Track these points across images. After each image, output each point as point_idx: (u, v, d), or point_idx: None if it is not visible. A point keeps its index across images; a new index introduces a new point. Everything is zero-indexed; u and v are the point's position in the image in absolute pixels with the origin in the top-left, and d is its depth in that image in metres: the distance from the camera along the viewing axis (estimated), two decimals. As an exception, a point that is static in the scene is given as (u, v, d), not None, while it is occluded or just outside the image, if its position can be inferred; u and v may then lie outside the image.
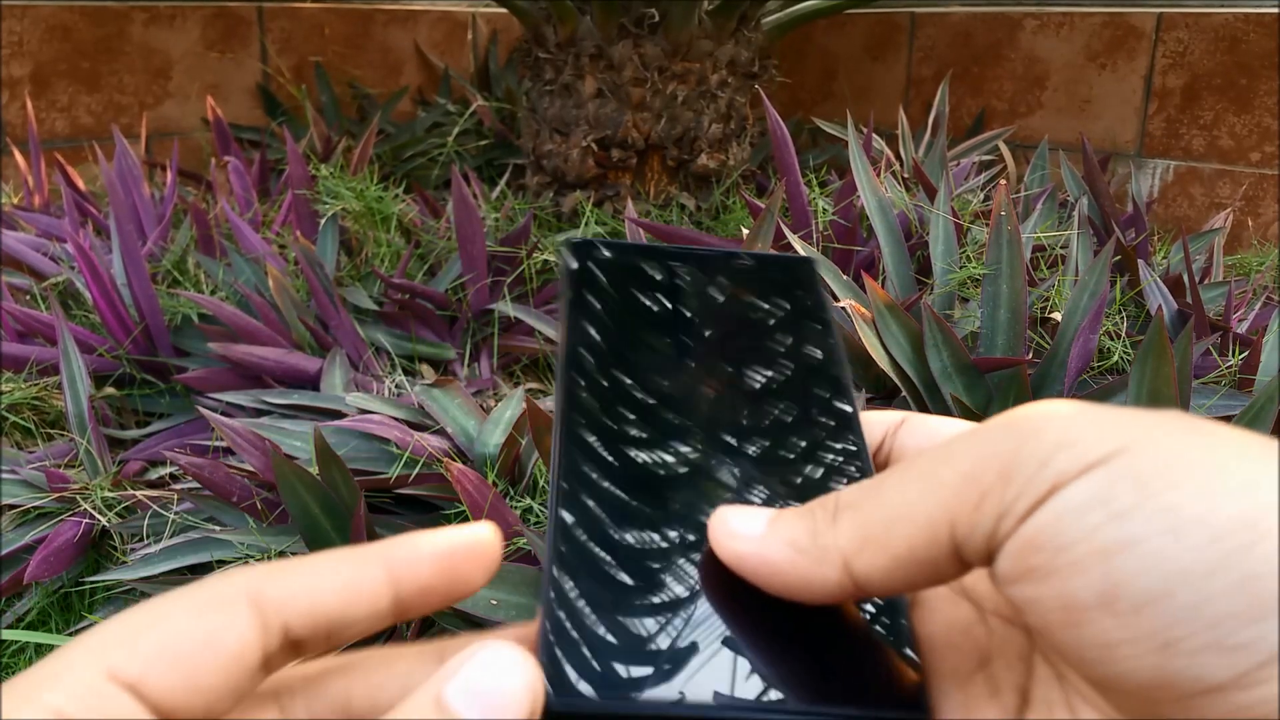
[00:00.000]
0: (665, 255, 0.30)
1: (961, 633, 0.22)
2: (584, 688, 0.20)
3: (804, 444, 0.25)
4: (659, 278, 0.29)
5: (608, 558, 0.22)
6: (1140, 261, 1.14)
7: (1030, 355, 0.97)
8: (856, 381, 0.97)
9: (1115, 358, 0.98)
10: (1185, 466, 0.17)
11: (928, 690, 0.20)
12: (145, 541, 0.92)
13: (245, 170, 1.51)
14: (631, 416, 0.25)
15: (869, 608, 0.22)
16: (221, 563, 0.86)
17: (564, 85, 1.54)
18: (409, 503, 0.92)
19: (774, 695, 0.20)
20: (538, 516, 0.84)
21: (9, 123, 1.77)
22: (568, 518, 0.23)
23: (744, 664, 0.20)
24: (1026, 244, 1.10)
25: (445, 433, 0.94)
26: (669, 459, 0.25)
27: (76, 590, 0.96)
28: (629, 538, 0.22)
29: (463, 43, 2.30)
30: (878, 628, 0.21)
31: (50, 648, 0.90)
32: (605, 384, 0.26)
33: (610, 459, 0.24)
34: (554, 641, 0.20)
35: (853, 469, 0.25)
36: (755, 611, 0.21)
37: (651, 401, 0.26)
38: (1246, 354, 0.99)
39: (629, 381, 0.26)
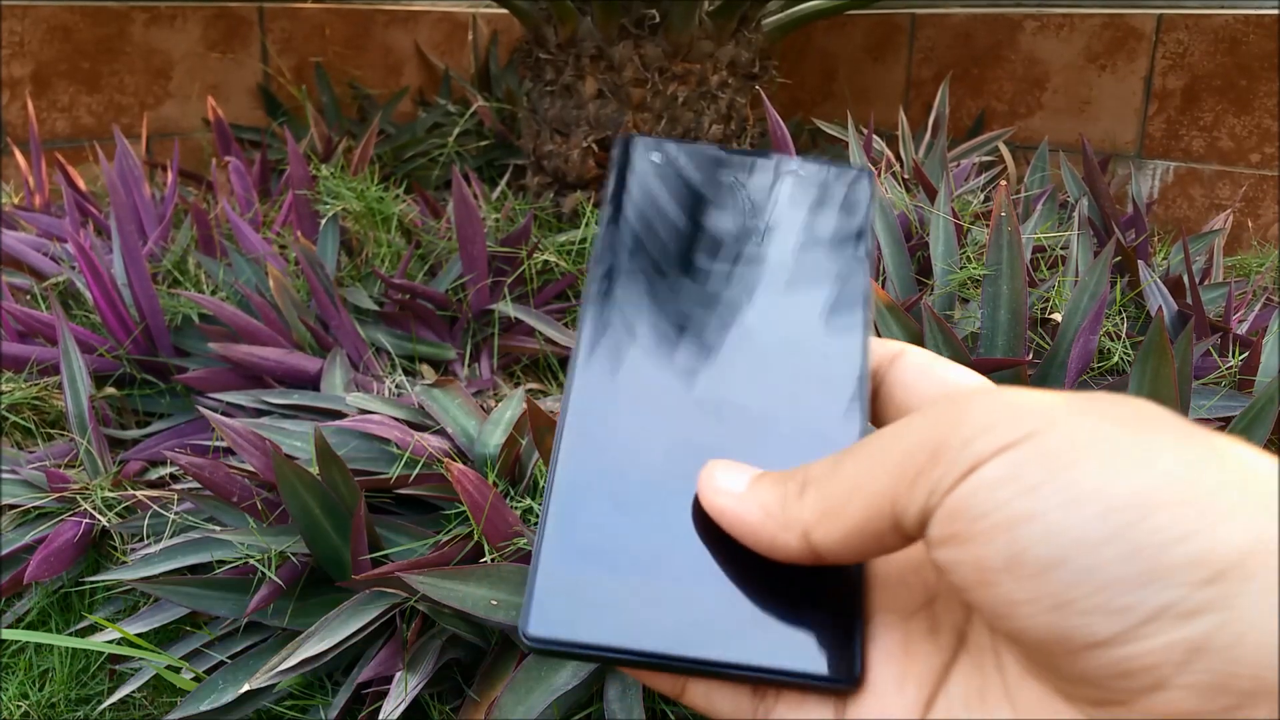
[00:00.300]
0: (714, 157, 0.30)
1: (913, 571, 0.24)
2: (540, 629, 0.22)
3: (807, 379, 0.26)
4: (702, 179, 0.30)
5: (601, 504, 0.24)
6: (1140, 262, 1.14)
7: (1030, 356, 0.97)
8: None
9: (1115, 358, 0.98)
10: (1087, 446, 0.19)
11: (863, 662, 0.22)
12: (145, 541, 0.92)
13: (246, 170, 1.51)
14: (649, 337, 0.26)
15: (829, 577, 0.23)
16: (222, 563, 0.86)
17: (564, 86, 1.54)
18: (409, 503, 0.92)
19: (717, 649, 0.22)
20: (538, 516, 0.84)
21: (10, 123, 1.77)
22: (568, 465, 0.24)
23: (704, 617, 0.22)
24: (1027, 245, 1.10)
25: (445, 433, 0.94)
26: (677, 387, 0.26)
27: (76, 590, 0.96)
28: (625, 484, 0.24)
29: (463, 43, 2.31)
30: (832, 596, 0.23)
31: (50, 648, 0.91)
32: (629, 299, 0.27)
33: (623, 385, 0.25)
34: (535, 582, 0.22)
35: (844, 410, 0.26)
36: (726, 567, 0.23)
37: (669, 323, 0.27)
38: (1246, 355, 0.99)
39: (651, 295, 0.27)
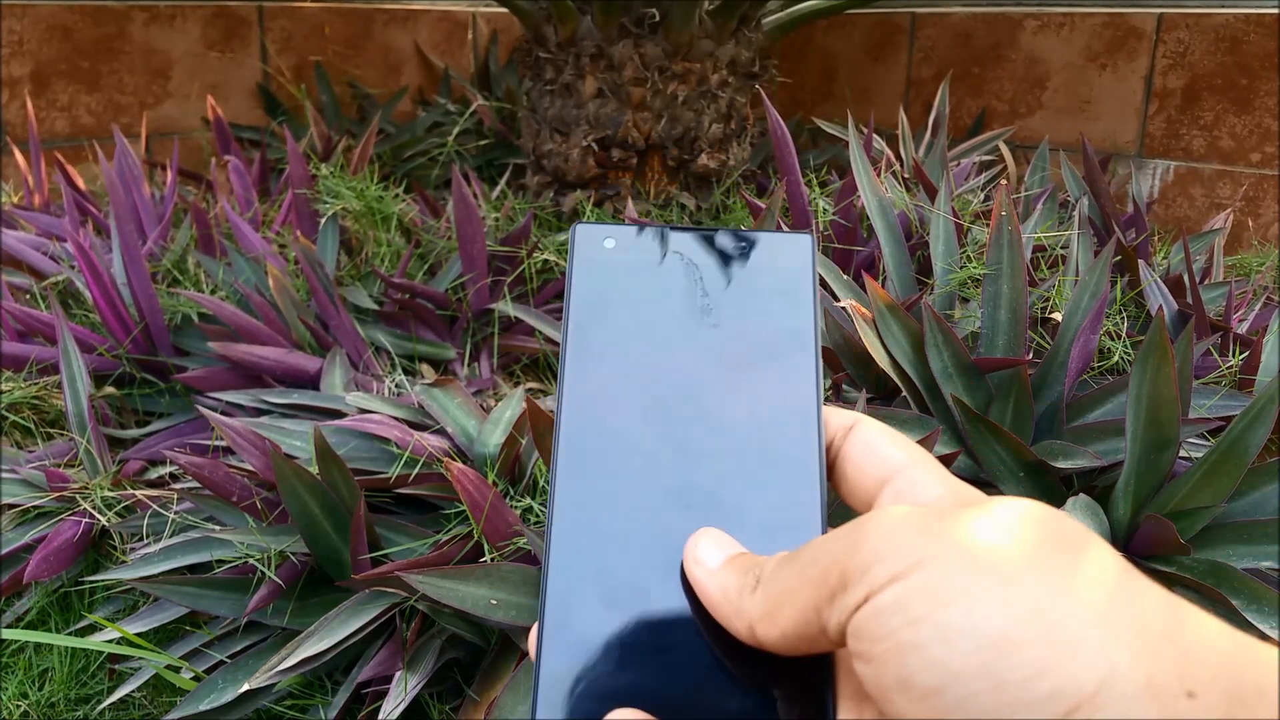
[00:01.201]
0: (662, 235, 0.32)
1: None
2: (545, 713, 0.24)
3: (765, 459, 0.28)
4: (652, 262, 0.31)
5: (590, 600, 0.26)
6: (1140, 262, 1.14)
7: (1031, 355, 0.97)
8: (856, 381, 0.97)
9: (1116, 358, 0.98)
10: (961, 585, 0.21)
11: None
12: (145, 541, 0.92)
13: (245, 170, 1.51)
14: (620, 417, 0.29)
15: (801, 664, 0.25)
16: (221, 562, 0.86)
17: (564, 85, 1.54)
18: (409, 502, 0.92)
19: None
20: (538, 516, 0.84)
21: (9, 122, 1.77)
22: (564, 541, 0.27)
23: (691, 696, 0.25)
24: (1027, 244, 1.10)
25: (445, 432, 0.94)
26: (648, 477, 0.28)
27: (76, 590, 0.96)
28: (611, 578, 0.26)
29: (463, 43, 2.30)
30: (807, 678, 0.25)
31: (50, 648, 0.90)
32: (599, 377, 0.29)
33: (600, 482, 0.28)
34: (539, 675, 0.25)
35: (799, 481, 0.28)
36: (707, 650, 0.26)
37: (636, 413, 0.29)
38: (1247, 354, 0.99)
39: (617, 388, 0.29)
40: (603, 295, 0.31)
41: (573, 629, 0.25)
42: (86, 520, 0.94)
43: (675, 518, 0.27)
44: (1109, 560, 0.21)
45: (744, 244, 0.32)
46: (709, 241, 0.32)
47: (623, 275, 0.31)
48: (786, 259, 0.31)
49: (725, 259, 0.31)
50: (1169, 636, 0.20)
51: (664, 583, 0.26)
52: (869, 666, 0.22)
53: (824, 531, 0.27)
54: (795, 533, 0.26)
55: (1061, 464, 0.82)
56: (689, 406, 0.29)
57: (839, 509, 0.31)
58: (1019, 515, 0.22)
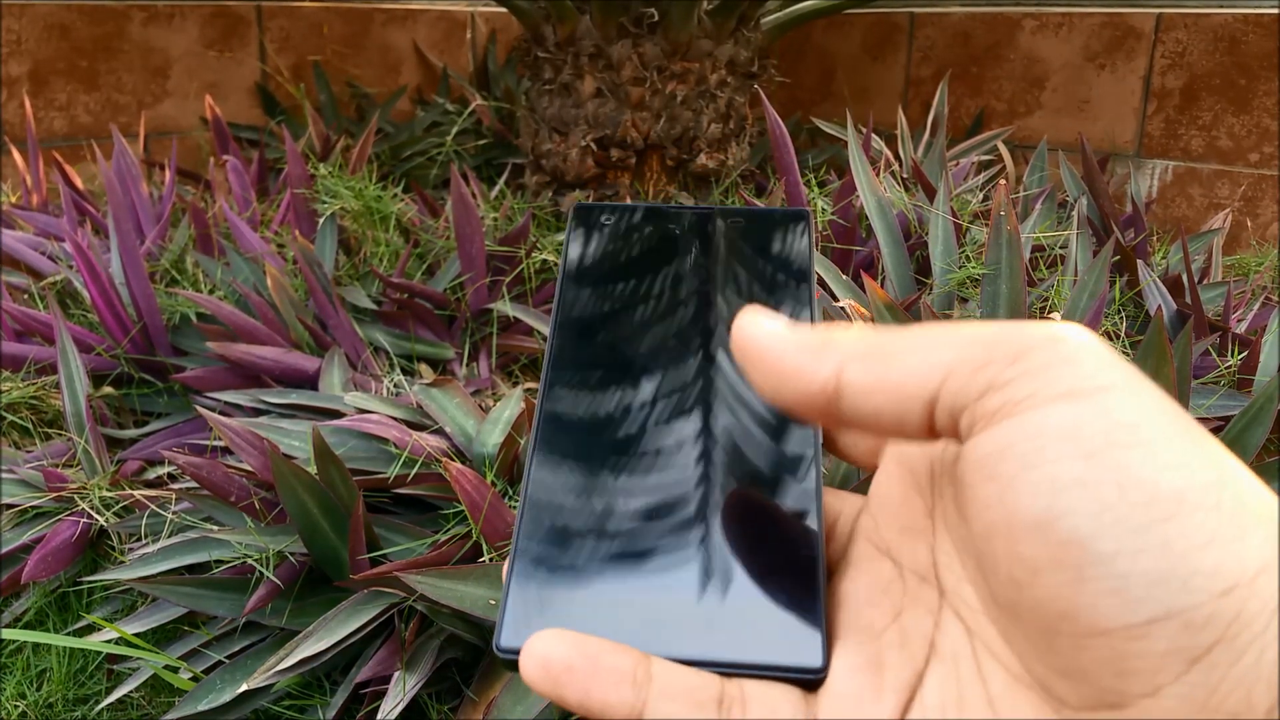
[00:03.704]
0: (663, 214, 0.32)
1: (881, 590, 0.24)
2: (511, 640, 0.23)
3: (757, 420, 0.27)
4: (653, 237, 0.31)
5: (569, 522, 0.25)
6: (1139, 262, 1.14)
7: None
8: None
9: (1114, 358, 0.98)
10: (1149, 430, 0.19)
11: (829, 651, 0.23)
12: (143, 541, 0.91)
13: (244, 169, 1.50)
14: (606, 386, 0.28)
15: (788, 573, 0.24)
16: (220, 562, 0.86)
17: (563, 85, 1.54)
18: (408, 502, 0.92)
19: (684, 646, 0.22)
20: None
21: (7, 122, 1.77)
22: (539, 482, 0.26)
23: (670, 616, 0.23)
24: (1026, 244, 1.10)
25: (444, 432, 0.94)
26: (630, 432, 0.27)
27: (74, 590, 0.96)
28: (592, 504, 0.25)
29: (461, 42, 2.30)
30: (796, 589, 0.24)
31: (48, 648, 0.90)
32: (587, 350, 0.29)
33: (583, 429, 0.27)
34: (507, 597, 0.23)
35: (798, 460, 0.27)
36: (689, 566, 0.24)
37: (623, 374, 0.29)
38: (1245, 354, 0.99)
39: (610, 347, 0.29)
40: (597, 267, 0.30)
41: (541, 561, 0.24)
42: (85, 520, 0.94)
43: (658, 470, 0.26)
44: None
45: (742, 221, 0.31)
46: (707, 219, 0.31)
47: (618, 249, 0.31)
48: (784, 235, 0.31)
49: (723, 235, 0.31)
50: None
51: (637, 521, 0.25)
52: (1002, 491, 0.19)
53: (818, 500, 0.26)
54: (785, 496, 0.25)
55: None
56: (680, 377, 0.28)
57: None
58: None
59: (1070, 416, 0.19)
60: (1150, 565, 0.18)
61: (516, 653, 0.22)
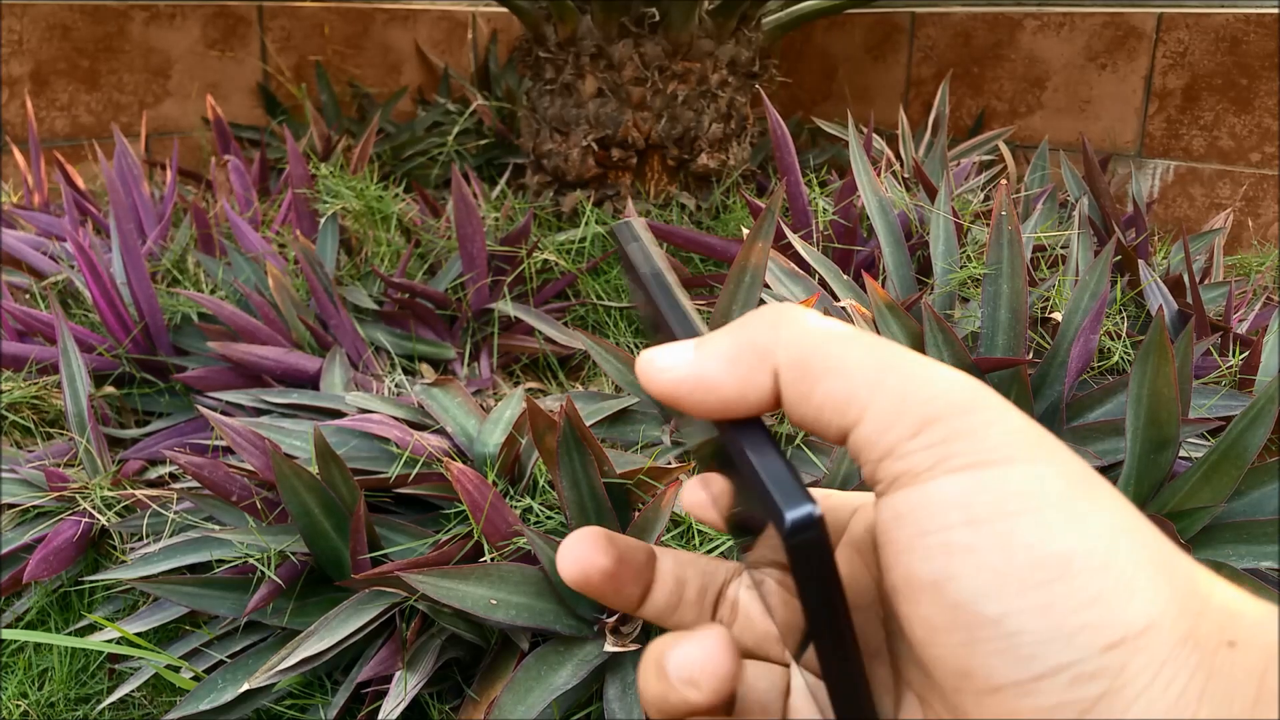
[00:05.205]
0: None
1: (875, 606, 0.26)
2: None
3: None
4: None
5: None
6: (1140, 262, 1.14)
7: (1031, 355, 0.97)
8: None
9: (1116, 358, 0.98)
10: (1042, 496, 0.19)
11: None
12: (145, 541, 0.92)
13: (245, 169, 1.50)
14: None
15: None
16: (221, 562, 0.86)
17: (564, 85, 1.54)
18: (409, 502, 0.92)
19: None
20: (537, 516, 0.84)
21: (9, 121, 1.77)
22: None
23: None
24: (1027, 244, 1.10)
25: (445, 432, 0.94)
26: None
27: (76, 589, 0.96)
28: None
29: (463, 42, 2.30)
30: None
31: (49, 647, 0.90)
32: None
33: None
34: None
35: None
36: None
37: None
38: (1247, 354, 0.99)
39: None
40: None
41: None
42: (86, 520, 0.94)
43: None
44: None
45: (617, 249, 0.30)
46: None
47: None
48: (623, 252, 0.29)
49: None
50: (1211, 592, 0.20)
51: None
52: (903, 555, 0.20)
53: None
54: None
55: (1061, 464, 0.82)
56: None
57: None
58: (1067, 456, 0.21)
59: (965, 486, 0.19)
60: (1036, 625, 0.19)
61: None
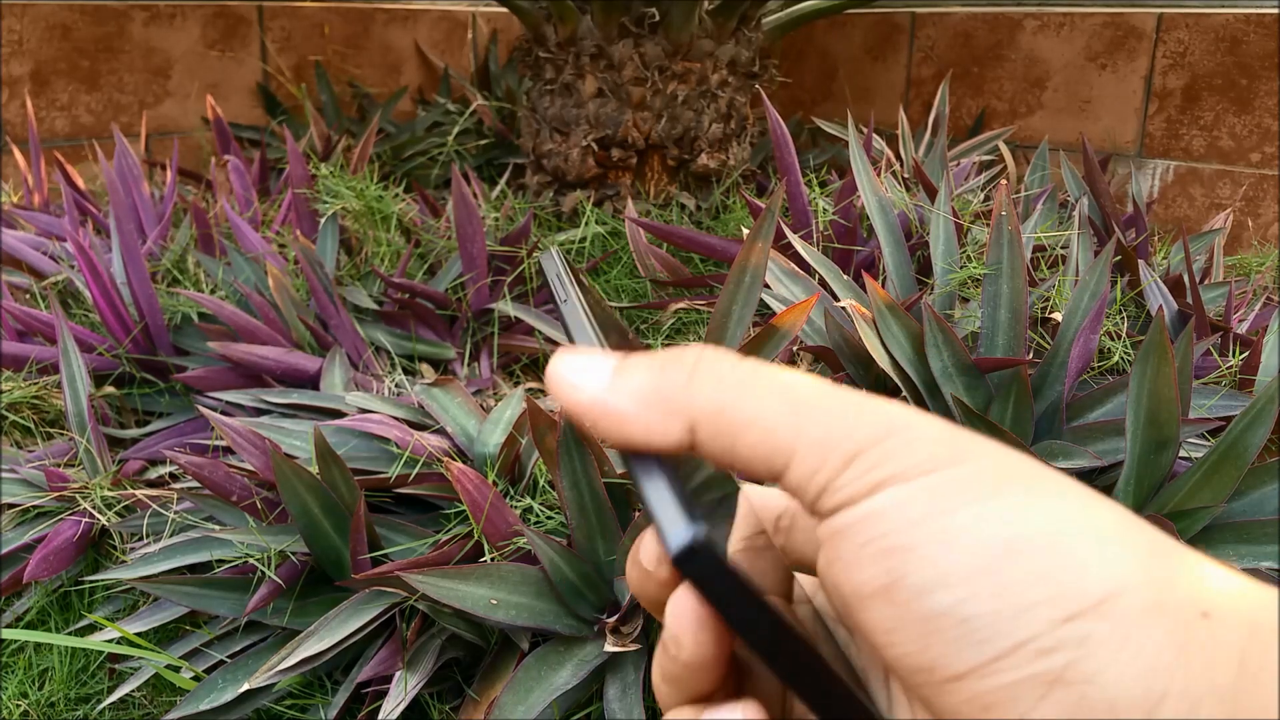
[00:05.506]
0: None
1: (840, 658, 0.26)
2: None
3: None
4: None
5: None
6: (1140, 262, 1.14)
7: (1030, 355, 0.97)
8: (856, 381, 0.97)
9: (1116, 358, 0.98)
10: (974, 492, 0.20)
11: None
12: (145, 540, 0.92)
13: (245, 169, 1.50)
14: None
15: None
16: (221, 562, 0.86)
17: (564, 85, 1.54)
18: (409, 502, 0.92)
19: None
20: (537, 516, 0.84)
21: (9, 121, 1.77)
22: None
23: None
24: (1027, 244, 1.10)
25: (445, 432, 0.94)
26: None
27: (76, 589, 0.96)
28: None
29: (463, 42, 2.30)
30: None
31: (50, 647, 0.90)
32: None
33: None
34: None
35: None
36: None
37: None
38: (1247, 354, 0.99)
39: None
40: None
41: None
42: (86, 520, 0.94)
43: None
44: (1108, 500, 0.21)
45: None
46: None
47: None
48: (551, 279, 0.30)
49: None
50: (1181, 563, 0.19)
51: None
52: (846, 572, 0.20)
53: None
54: None
55: (1061, 464, 0.82)
56: None
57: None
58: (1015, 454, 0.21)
59: (899, 496, 0.20)
60: (988, 607, 0.19)
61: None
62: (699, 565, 0.20)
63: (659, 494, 0.21)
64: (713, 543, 0.20)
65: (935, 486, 0.20)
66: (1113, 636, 0.18)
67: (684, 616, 0.22)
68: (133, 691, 0.85)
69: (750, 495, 0.29)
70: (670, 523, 0.21)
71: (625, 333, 0.28)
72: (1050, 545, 0.19)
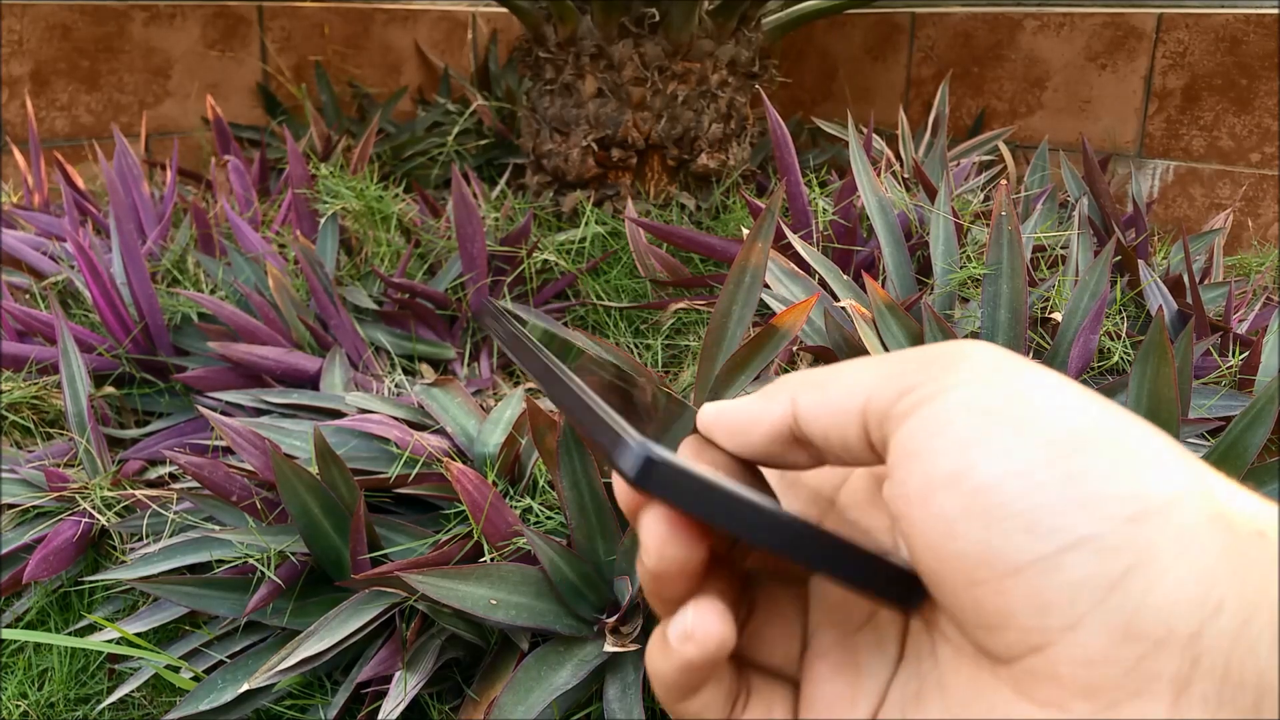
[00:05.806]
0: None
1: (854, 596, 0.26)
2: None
3: None
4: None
5: None
6: (1140, 262, 1.14)
7: (1031, 355, 0.97)
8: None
9: (1115, 358, 0.98)
10: (1046, 388, 0.21)
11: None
12: (145, 541, 0.92)
13: (245, 169, 1.50)
14: None
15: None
16: (221, 562, 0.86)
17: (564, 85, 1.54)
18: (409, 502, 0.92)
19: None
20: (537, 516, 0.84)
21: (9, 121, 1.77)
22: None
23: None
24: (1027, 244, 1.10)
25: (445, 432, 0.94)
26: None
27: (76, 590, 0.96)
28: None
29: (463, 42, 2.30)
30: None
31: (49, 647, 0.90)
32: None
33: None
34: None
35: None
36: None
37: None
38: (1246, 354, 0.99)
39: None
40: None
41: None
42: (86, 520, 0.94)
43: None
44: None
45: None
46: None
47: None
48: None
49: None
50: (1228, 483, 0.20)
51: None
52: (916, 464, 0.21)
53: None
54: None
55: (1061, 464, 0.82)
56: None
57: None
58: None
59: (971, 393, 0.21)
60: (1056, 498, 0.19)
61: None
62: (658, 479, 0.21)
63: (602, 428, 0.22)
64: (664, 453, 0.21)
65: (1009, 384, 0.20)
66: (1175, 544, 0.18)
67: (649, 529, 0.22)
68: (132, 692, 0.85)
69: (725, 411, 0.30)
70: (620, 449, 0.21)
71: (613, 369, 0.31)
72: (1116, 440, 0.19)
